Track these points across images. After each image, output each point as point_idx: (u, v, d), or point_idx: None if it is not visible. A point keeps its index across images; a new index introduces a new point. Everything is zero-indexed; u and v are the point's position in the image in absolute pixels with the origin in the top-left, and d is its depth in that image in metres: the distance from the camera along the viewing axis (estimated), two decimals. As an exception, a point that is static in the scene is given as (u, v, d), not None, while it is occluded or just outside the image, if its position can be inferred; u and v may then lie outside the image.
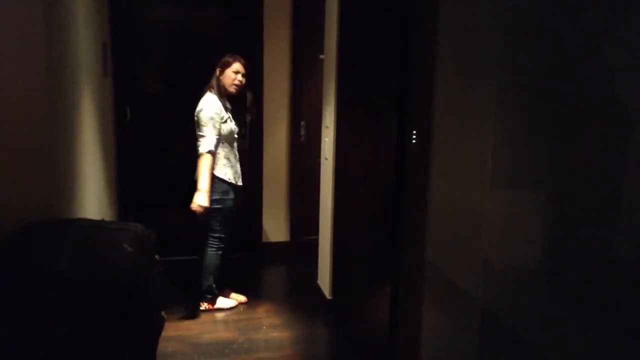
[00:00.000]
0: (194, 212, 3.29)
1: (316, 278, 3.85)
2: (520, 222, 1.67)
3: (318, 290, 3.75)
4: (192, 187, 3.39)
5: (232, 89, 3.46)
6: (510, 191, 1.74)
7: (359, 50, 3.04)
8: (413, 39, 2.29)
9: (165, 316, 1.97)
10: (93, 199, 2.97)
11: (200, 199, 3.27)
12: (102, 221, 2.06)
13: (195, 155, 3.39)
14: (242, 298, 3.72)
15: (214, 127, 3.32)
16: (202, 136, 3.31)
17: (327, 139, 3.57)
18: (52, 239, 1.79)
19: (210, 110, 3.33)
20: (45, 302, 1.65)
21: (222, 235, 3.50)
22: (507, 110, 1.70)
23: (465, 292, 1.96)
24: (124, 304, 1.73)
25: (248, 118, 3.59)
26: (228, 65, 3.44)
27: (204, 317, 3.47)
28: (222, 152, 3.40)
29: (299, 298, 3.83)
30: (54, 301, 1.65)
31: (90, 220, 2.02)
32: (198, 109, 3.37)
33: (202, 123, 3.32)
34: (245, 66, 3.50)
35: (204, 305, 3.55)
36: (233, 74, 3.44)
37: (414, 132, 2.33)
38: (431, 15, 2.09)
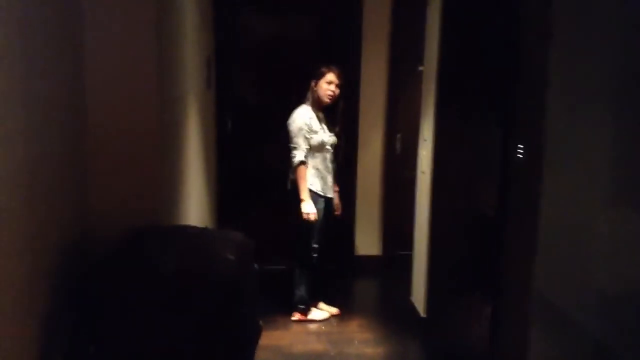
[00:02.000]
0: (303, 221, 3.39)
1: (410, 294, 3.75)
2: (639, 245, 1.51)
3: (412, 307, 3.65)
4: (287, 198, 3.47)
5: (326, 99, 3.49)
6: (629, 211, 1.58)
7: (461, 62, 2.93)
8: (522, 47, 2.17)
9: (262, 324, 1.98)
10: (195, 206, 3.09)
11: (306, 208, 3.36)
12: (206, 229, 2.12)
13: (288, 167, 3.46)
14: (334, 310, 3.70)
15: (304, 137, 3.37)
16: (294, 148, 3.39)
17: (424, 152, 3.48)
18: (161, 244, 1.86)
19: (300, 121, 3.39)
20: (153, 306, 1.71)
21: (314, 246, 3.51)
22: (627, 124, 1.55)
23: (577, 320, 1.80)
24: (226, 311, 1.76)
25: (336, 129, 3.60)
26: (322, 75, 3.48)
27: (296, 328, 3.48)
28: (311, 162, 3.44)
29: (392, 314, 3.74)
30: (161, 305, 1.71)
31: (196, 228, 2.08)
32: (289, 120, 3.46)
33: (293, 135, 3.40)
34: (339, 76, 3.50)
35: (296, 316, 3.57)
36: (326, 85, 3.47)
37: (520, 146, 2.20)
38: (543, 21, 1.97)
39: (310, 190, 3.42)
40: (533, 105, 2.06)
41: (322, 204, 3.47)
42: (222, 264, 1.80)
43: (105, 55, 2.06)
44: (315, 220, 3.41)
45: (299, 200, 3.39)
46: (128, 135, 2.09)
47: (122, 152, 2.10)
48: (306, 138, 3.40)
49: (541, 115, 1.98)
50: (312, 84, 3.50)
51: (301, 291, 3.55)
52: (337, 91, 3.50)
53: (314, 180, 3.46)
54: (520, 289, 2.16)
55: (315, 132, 3.44)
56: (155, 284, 1.67)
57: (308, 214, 3.37)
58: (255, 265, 2.01)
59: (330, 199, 3.59)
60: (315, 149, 3.44)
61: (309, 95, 3.52)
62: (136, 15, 2.06)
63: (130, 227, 1.94)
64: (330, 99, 3.50)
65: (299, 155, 3.38)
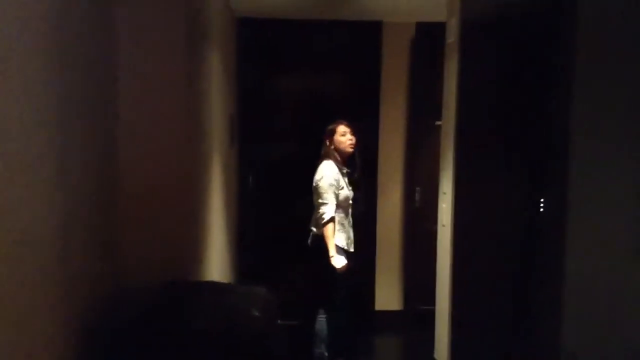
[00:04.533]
0: (334, 276, 3.34)
1: (433, 352, 3.66)
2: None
3: (435, 364, 3.57)
4: (307, 253, 3.51)
5: (349, 149, 3.52)
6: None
7: (480, 117, 3.00)
8: (545, 105, 2.22)
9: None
10: (217, 261, 3.11)
11: (338, 262, 3.33)
12: (230, 284, 2.14)
13: (310, 222, 3.50)
14: None
15: (334, 193, 3.39)
16: (325, 204, 3.37)
17: (444, 205, 3.49)
18: (190, 301, 1.88)
19: (330, 177, 3.41)
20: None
21: (335, 302, 3.47)
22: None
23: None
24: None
25: (355, 175, 3.63)
26: (334, 131, 3.52)
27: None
28: (337, 217, 3.43)
29: (415, 372, 3.65)
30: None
31: (220, 284, 2.10)
32: (318, 177, 3.45)
33: (323, 190, 3.38)
34: (349, 126, 3.57)
35: None
36: (342, 137, 3.51)
37: (542, 200, 2.21)
38: (566, 77, 2.02)
39: (337, 247, 3.40)
40: (557, 160, 2.08)
41: (346, 259, 3.46)
42: (248, 321, 1.81)
43: (139, 117, 2.15)
44: (347, 269, 3.37)
45: (321, 255, 3.38)
46: (159, 192, 2.15)
47: (153, 209, 2.15)
48: (335, 194, 3.42)
49: (565, 169, 2.00)
50: (327, 142, 3.55)
51: (321, 349, 3.49)
52: (354, 138, 3.56)
53: (339, 235, 3.45)
54: (549, 349, 2.11)
55: (342, 188, 3.46)
56: (185, 342, 1.67)
57: (342, 266, 3.34)
58: (279, 321, 2.01)
59: (353, 253, 3.57)
60: (340, 204, 3.46)
61: (328, 152, 3.55)
62: (168, 79, 2.17)
63: (159, 282, 1.96)
64: (352, 148, 3.54)
65: (329, 211, 3.35)
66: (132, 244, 2.13)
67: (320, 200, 3.40)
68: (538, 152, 2.27)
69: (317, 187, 3.42)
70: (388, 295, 4.56)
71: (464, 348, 3.15)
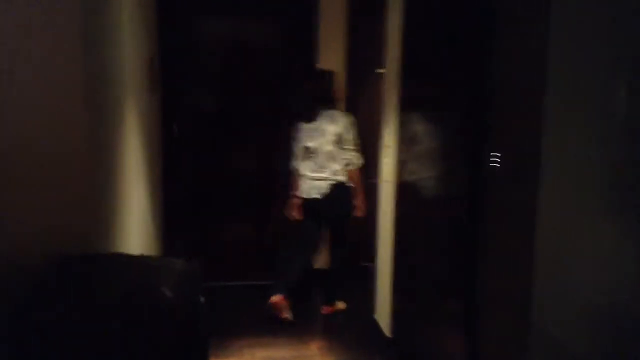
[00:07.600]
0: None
1: (373, 312, 3.52)
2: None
3: (375, 325, 3.41)
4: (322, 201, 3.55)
5: None
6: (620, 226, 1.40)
7: (425, 66, 2.74)
8: (496, 44, 1.98)
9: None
10: (136, 224, 2.77)
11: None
12: (142, 257, 1.82)
13: (327, 172, 3.53)
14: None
15: None
16: (356, 149, 3.54)
17: (387, 159, 3.27)
18: (88, 276, 1.56)
19: None
20: (76, 344, 1.42)
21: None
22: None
23: (560, 338, 1.61)
24: (163, 356, 1.48)
25: None
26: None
27: (257, 354, 3.17)
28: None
29: (355, 334, 3.46)
30: (85, 345, 1.41)
31: (128, 256, 1.77)
32: (347, 124, 3.53)
33: (354, 136, 3.54)
34: None
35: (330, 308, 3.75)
36: None
37: (496, 153, 2.01)
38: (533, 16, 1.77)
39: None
40: (522, 111, 1.85)
41: None
42: (158, 303, 1.51)
43: (21, 59, 1.74)
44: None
45: (345, 202, 3.56)
46: (48, 148, 1.78)
47: (40, 169, 1.78)
48: None
49: (534, 123, 1.76)
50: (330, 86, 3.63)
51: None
52: None
53: None
54: (501, 306, 1.96)
55: None
56: (79, 326, 1.37)
57: None
58: (202, 298, 1.73)
59: None
60: None
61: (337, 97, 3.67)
62: (57, 18, 1.76)
63: (54, 257, 1.63)
64: None
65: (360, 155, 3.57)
66: (22, 215, 1.76)
67: (349, 147, 3.53)
68: (487, 101, 2.06)
69: (349, 133, 3.52)
70: (326, 252, 4.35)
71: (406, 308, 3.00)
